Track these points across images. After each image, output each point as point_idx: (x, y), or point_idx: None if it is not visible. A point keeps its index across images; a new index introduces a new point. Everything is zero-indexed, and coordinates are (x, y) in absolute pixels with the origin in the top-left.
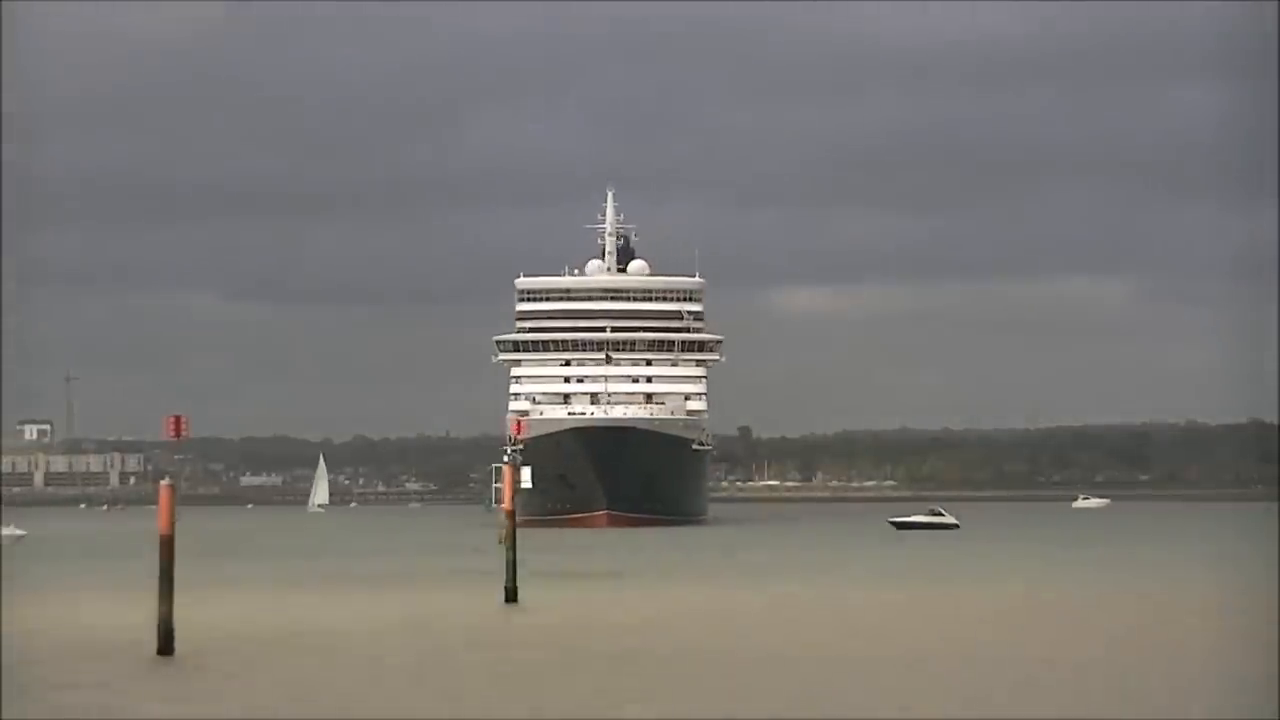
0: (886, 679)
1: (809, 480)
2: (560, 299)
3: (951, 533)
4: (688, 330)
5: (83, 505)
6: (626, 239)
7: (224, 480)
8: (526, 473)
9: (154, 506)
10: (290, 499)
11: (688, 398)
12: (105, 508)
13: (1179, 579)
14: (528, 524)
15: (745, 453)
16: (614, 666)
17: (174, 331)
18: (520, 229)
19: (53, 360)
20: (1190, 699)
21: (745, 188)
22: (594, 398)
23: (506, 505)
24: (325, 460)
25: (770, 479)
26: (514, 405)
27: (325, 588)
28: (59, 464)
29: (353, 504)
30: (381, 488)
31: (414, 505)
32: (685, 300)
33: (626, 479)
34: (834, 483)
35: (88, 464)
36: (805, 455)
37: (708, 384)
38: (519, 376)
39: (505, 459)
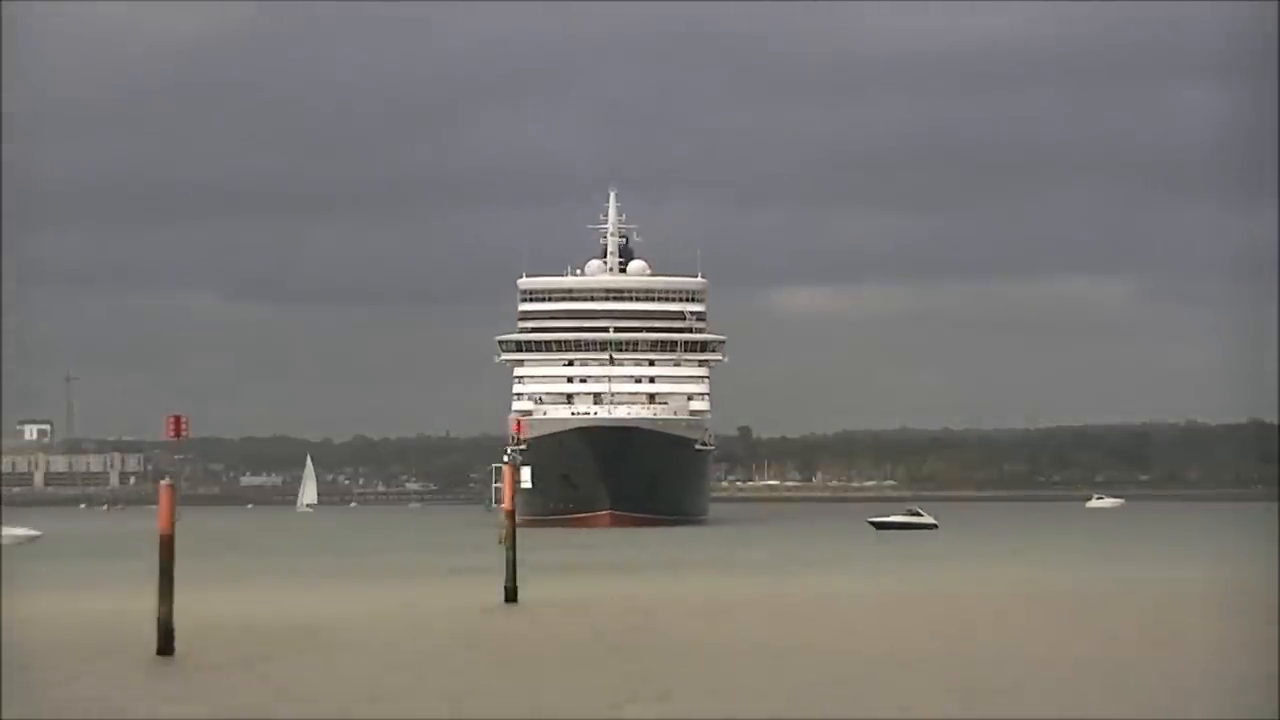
0: (886, 677)
1: (809, 480)
2: (563, 299)
3: (931, 532)
4: (690, 330)
5: (83, 505)
6: (626, 239)
7: (224, 480)
8: (526, 473)
9: (154, 506)
10: (290, 499)
11: (690, 398)
12: (105, 508)
13: (1179, 578)
14: (530, 524)
15: (745, 453)
16: (613, 664)
17: (174, 331)
18: (520, 229)
19: (53, 360)
20: (1190, 699)
21: (745, 188)
22: (597, 398)
23: (506, 505)
24: (315, 461)
25: (770, 479)
26: (517, 405)
27: (325, 587)
28: (59, 464)
29: (353, 504)
30: (381, 488)
31: (414, 505)
32: (688, 300)
33: (630, 479)
34: (834, 483)
35: (88, 464)
36: (805, 455)
37: (710, 384)
38: (521, 376)
39: (505, 459)
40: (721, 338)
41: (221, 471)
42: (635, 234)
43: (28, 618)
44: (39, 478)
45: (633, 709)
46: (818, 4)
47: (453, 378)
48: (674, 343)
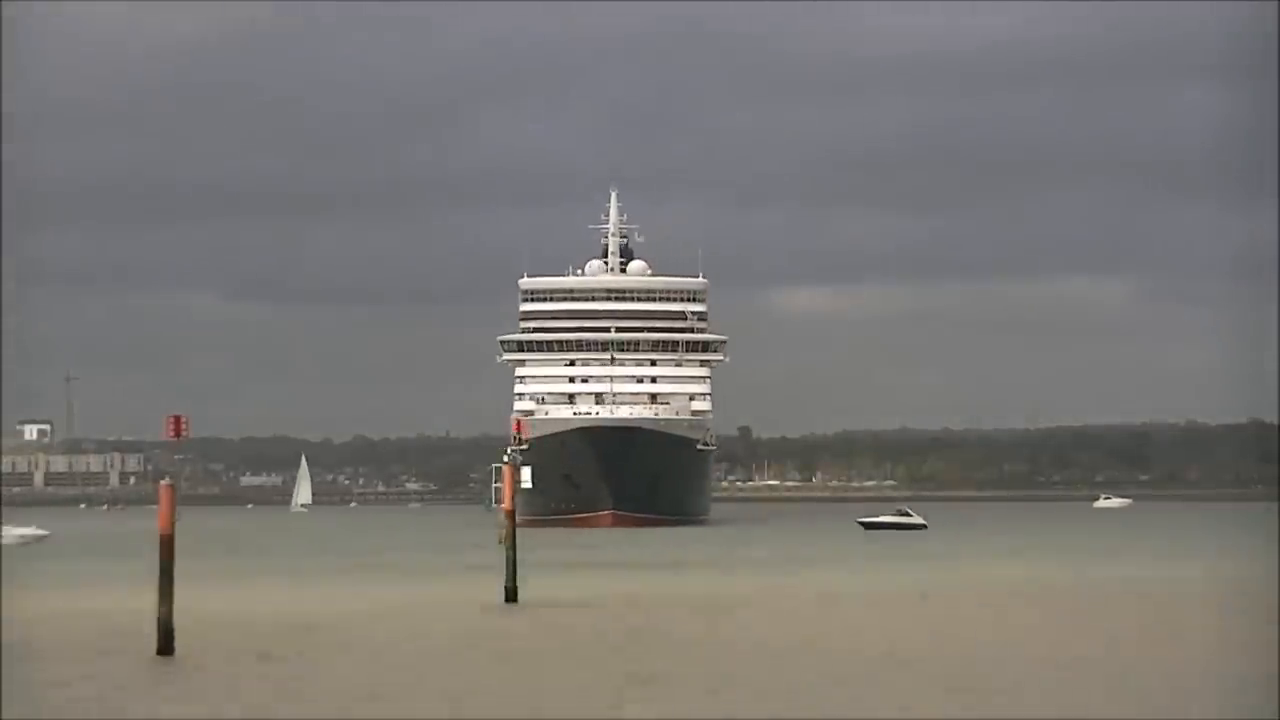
0: (886, 676)
1: (809, 480)
2: (564, 299)
3: (920, 532)
4: (691, 330)
5: (83, 505)
6: (627, 239)
7: (224, 480)
8: (527, 472)
9: (154, 506)
10: (290, 499)
11: (692, 398)
12: (105, 508)
13: (1179, 578)
14: (531, 524)
15: (745, 452)
16: (614, 664)
17: (174, 331)
18: (521, 229)
19: (53, 360)
20: (1190, 699)
21: (745, 188)
22: (599, 398)
23: (506, 505)
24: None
25: (770, 479)
26: (519, 405)
27: (324, 586)
28: (59, 464)
29: (353, 504)
30: (381, 488)
31: (414, 505)
32: (689, 300)
33: (632, 479)
34: (834, 482)
35: (88, 464)
36: (805, 455)
37: (711, 384)
38: (523, 376)
39: (505, 459)
40: (722, 338)
41: (221, 471)
42: (636, 234)
43: (28, 617)
44: (39, 478)
45: (633, 709)
46: (818, 4)
47: (453, 378)
48: (675, 343)
